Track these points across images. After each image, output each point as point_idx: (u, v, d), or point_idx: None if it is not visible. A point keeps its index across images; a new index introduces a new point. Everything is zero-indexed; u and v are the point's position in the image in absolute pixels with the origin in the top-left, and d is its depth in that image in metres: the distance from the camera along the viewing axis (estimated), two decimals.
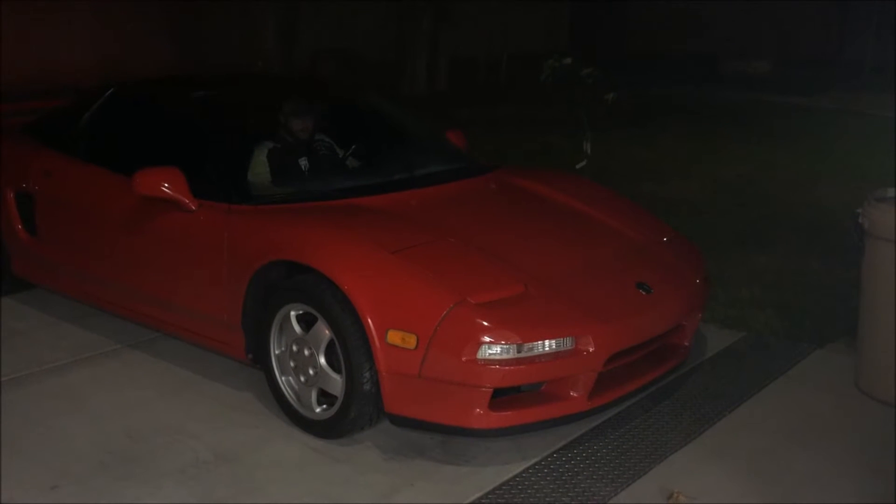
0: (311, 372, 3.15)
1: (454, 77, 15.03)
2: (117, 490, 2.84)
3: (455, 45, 14.99)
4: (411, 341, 2.84)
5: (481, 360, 2.79)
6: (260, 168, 3.73)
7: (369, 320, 2.89)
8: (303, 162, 3.83)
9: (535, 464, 3.02)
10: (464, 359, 2.79)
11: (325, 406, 3.16)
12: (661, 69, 15.70)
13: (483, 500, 2.81)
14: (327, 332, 3.05)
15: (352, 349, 2.95)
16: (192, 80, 4.51)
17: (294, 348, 3.19)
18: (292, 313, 3.18)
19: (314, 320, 3.11)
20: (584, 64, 7.09)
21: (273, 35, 14.30)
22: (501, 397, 2.90)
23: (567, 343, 2.89)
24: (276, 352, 3.27)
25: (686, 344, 3.50)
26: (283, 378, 3.27)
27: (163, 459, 3.02)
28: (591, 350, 2.92)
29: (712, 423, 3.30)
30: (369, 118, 4.40)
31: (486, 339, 2.79)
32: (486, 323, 2.81)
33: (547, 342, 2.86)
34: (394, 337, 2.86)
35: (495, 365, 2.80)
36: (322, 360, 3.10)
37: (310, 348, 3.13)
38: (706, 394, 3.56)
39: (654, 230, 3.74)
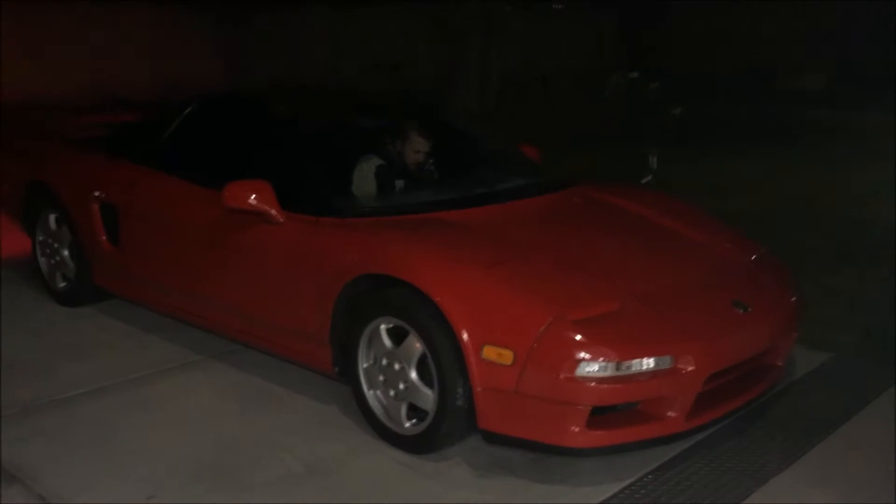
0: (401, 386, 3.12)
1: (505, 92, 15.02)
2: (212, 501, 2.84)
3: (506, 61, 14.98)
4: (507, 357, 2.80)
5: (580, 377, 2.75)
6: (360, 181, 3.73)
7: (465, 335, 2.86)
8: (399, 176, 3.83)
9: (630, 485, 2.95)
10: (562, 376, 2.74)
11: (414, 421, 3.14)
12: (711, 84, 15.51)
13: None
14: (419, 346, 3.02)
15: (445, 364, 2.92)
16: (274, 94, 4.54)
17: (384, 362, 3.17)
18: (382, 327, 3.16)
19: (405, 334, 3.09)
20: (648, 79, 7.05)
21: (324, 49, 14.45)
22: (597, 416, 2.85)
23: (666, 362, 2.83)
24: (364, 365, 3.26)
25: (780, 364, 3.41)
26: (371, 392, 3.25)
27: (254, 471, 3.02)
28: (690, 369, 2.86)
29: (811, 447, 3.20)
30: (452, 132, 4.39)
31: (586, 356, 2.74)
32: (584, 340, 2.76)
33: (646, 360, 2.81)
34: (489, 352, 2.83)
35: (593, 383, 2.75)
36: (413, 375, 3.07)
37: (400, 362, 3.11)
38: (800, 416, 3.46)
39: (744, 247, 3.67)
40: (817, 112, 13.53)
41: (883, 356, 4.03)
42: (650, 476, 3.00)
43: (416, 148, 3.88)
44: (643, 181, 6.71)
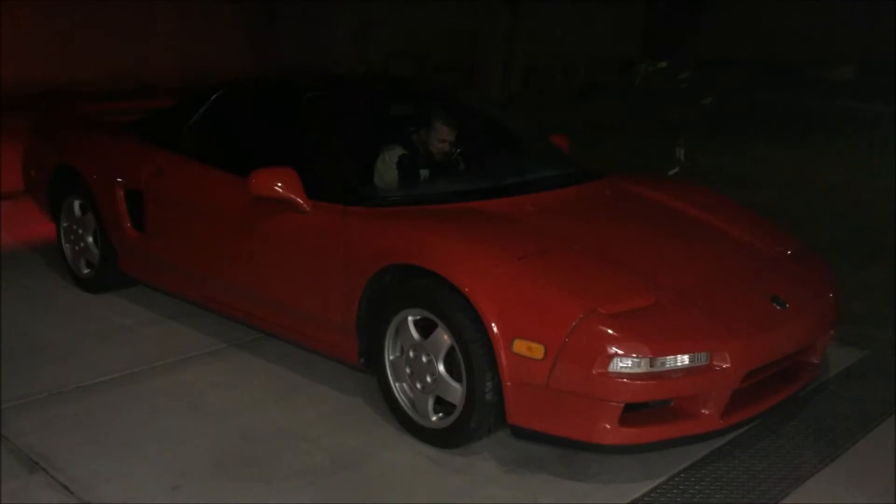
0: (428, 379, 3.07)
1: (530, 81, 14.87)
2: (237, 492, 2.81)
3: (531, 49, 14.83)
4: (539, 351, 2.74)
5: (612, 373, 2.68)
6: (382, 170, 3.68)
7: (495, 328, 2.80)
8: (423, 166, 3.77)
9: (662, 483, 2.88)
10: (595, 371, 2.68)
11: (441, 414, 3.08)
12: (740, 74, 15.30)
13: None
14: (447, 338, 2.97)
15: (475, 358, 2.86)
16: (302, 81, 4.48)
17: (411, 354, 3.12)
18: (410, 318, 3.11)
19: (433, 326, 3.03)
20: (678, 69, 6.93)
21: (348, 36, 14.36)
22: (630, 412, 2.78)
23: (702, 359, 2.76)
24: (391, 357, 3.21)
25: (816, 362, 3.32)
26: (397, 384, 3.20)
27: (279, 462, 2.99)
28: (726, 366, 2.78)
29: (847, 447, 3.12)
30: (483, 121, 4.31)
31: (619, 351, 2.67)
32: (618, 334, 2.69)
33: (680, 357, 2.73)
34: (520, 346, 2.77)
35: (626, 379, 2.68)
36: (441, 368, 3.02)
37: (428, 355, 3.05)
38: (835, 415, 3.37)
39: (780, 241, 3.57)
40: (846, 103, 13.31)
41: None
42: (683, 475, 2.93)
43: (442, 137, 3.81)
44: (671, 173, 6.60)
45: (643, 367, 2.69)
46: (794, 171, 8.15)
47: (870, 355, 3.96)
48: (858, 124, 10.90)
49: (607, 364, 2.67)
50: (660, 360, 2.71)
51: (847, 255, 5.30)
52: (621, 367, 2.68)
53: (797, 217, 6.16)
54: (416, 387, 3.13)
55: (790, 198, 6.93)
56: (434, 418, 3.09)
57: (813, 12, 18.89)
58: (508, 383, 2.81)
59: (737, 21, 19.48)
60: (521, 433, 2.89)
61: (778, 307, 3.03)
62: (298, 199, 3.41)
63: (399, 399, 3.20)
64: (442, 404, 3.08)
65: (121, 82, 12.07)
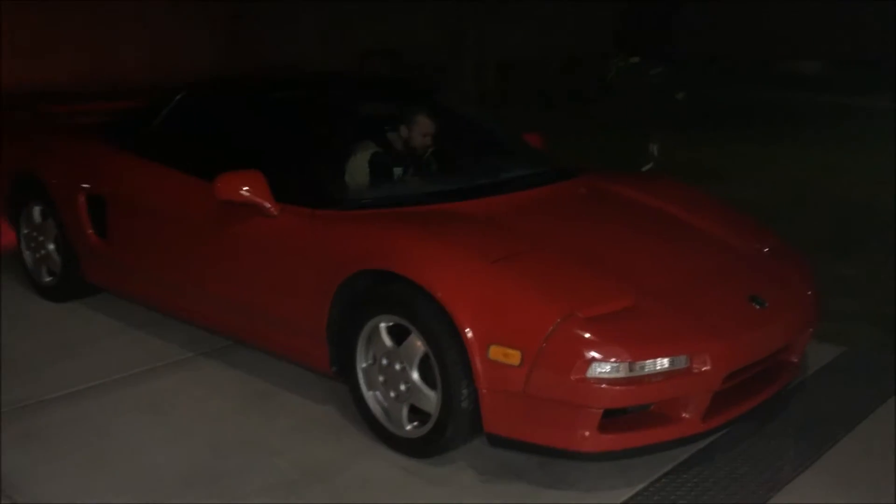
0: (402, 387, 2.98)
1: (503, 78, 14.80)
2: None
3: (503, 47, 14.76)
4: (515, 357, 2.66)
5: (591, 378, 2.60)
6: (354, 170, 3.58)
7: (469, 334, 2.71)
8: (396, 165, 3.67)
9: (643, 490, 2.82)
10: (573, 377, 2.60)
11: (416, 423, 2.99)
12: (710, 70, 15.36)
13: None
14: (421, 345, 2.88)
15: (449, 365, 2.77)
16: (269, 80, 4.37)
17: (384, 362, 3.03)
18: (382, 325, 3.02)
19: (406, 333, 2.94)
20: (651, 64, 6.88)
21: (318, 34, 14.20)
22: (609, 418, 2.71)
23: (682, 362, 2.69)
24: (363, 365, 3.11)
25: (795, 360, 3.28)
26: (370, 393, 3.11)
27: (248, 477, 2.88)
28: (706, 369, 2.72)
29: (828, 447, 3.08)
30: (456, 119, 4.22)
31: (597, 356, 2.60)
32: (596, 338, 2.62)
33: (660, 360, 2.66)
34: (496, 352, 2.69)
35: (605, 384, 2.61)
36: (415, 376, 2.93)
37: (401, 362, 2.96)
38: (815, 414, 3.33)
39: (759, 237, 3.52)
40: (817, 96, 13.43)
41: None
42: (664, 480, 2.87)
43: (425, 131, 3.72)
44: (644, 169, 6.55)
45: (622, 372, 2.62)
46: (764, 164, 8.18)
47: (847, 351, 3.93)
48: (827, 118, 10.99)
49: (586, 369, 2.60)
50: (639, 364, 2.64)
51: (819, 250, 5.27)
52: (600, 373, 2.61)
53: (767, 211, 6.13)
54: (389, 395, 3.04)
55: (759, 192, 6.92)
56: (409, 427, 3.00)
57: (779, 9, 19.04)
58: (484, 391, 2.72)
59: (709, 19, 19.57)
60: (498, 442, 2.81)
61: (757, 307, 2.97)
62: (266, 203, 3.30)
63: (372, 408, 3.10)
64: (417, 413, 2.99)
65: (88, 83, 11.83)
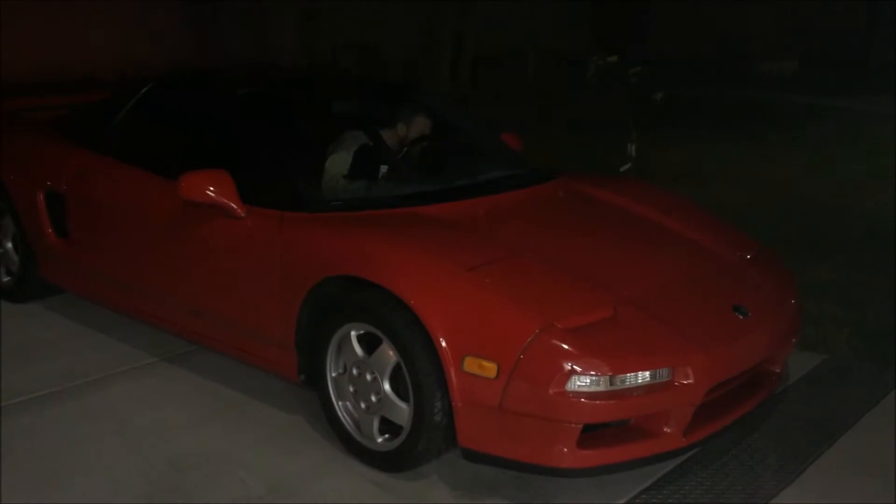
0: (373, 398, 2.86)
1: (479, 76, 14.69)
2: None
3: (480, 44, 14.65)
4: (491, 370, 2.54)
5: (570, 392, 2.50)
6: (332, 170, 3.44)
7: (443, 344, 2.60)
8: (372, 166, 3.53)
9: None
10: (551, 391, 2.49)
11: (387, 436, 2.87)
12: (686, 70, 15.38)
13: None
14: (393, 355, 2.76)
15: (422, 376, 2.65)
16: (238, 75, 4.21)
17: (354, 372, 2.90)
18: (353, 333, 2.89)
19: (377, 342, 2.82)
20: (630, 63, 6.78)
21: (293, 30, 14.01)
22: (587, 433, 2.61)
23: (663, 374, 2.59)
24: (333, 374, 2.99)
25: (777, 371, 3.19)
26: (340, 403, 2.98)
27: (211, 492, 2.74)
28: (688, 382, 2.62)
29: (812, 460, 3.00)
30: (435, 119, 4.08)
31: (577, 368, 2.49)
32: (576, 351, 2.51)
33: (641, 374, 2.56)
34: (471, 364, 2.57)
35: (585, 398, 2.51)
36: (387, 387, 2.81)
37: (372, 372, 2.84)
38: (798, 425, 3.25)
39: (741, 244, 3.43)
40: (793, 97, 13.48)
41: (880, 357, 3.84)
42: (644, 495, 2.78)
43: (423, 131, 3.62)
44: (622, 169, 6.47)
45: (602, 386, 2.52)
46: (740, 166, 8.15)
47: (828, 359, 3.87)
48: (803, 118, 11.02)
49: (565, 383, 2.49)
50: (620, 377, 2.53)
51: (796, 254, 5.22)
52: (579, 386, 2.50)
53: (744, 213, 6.09)
54: (360, 406, 2.91)
55: (736, 193, 6.87)
56: (380, 440, 2.88)
57: (756, 9, 19.13)
58: (459, 404, 2.61)
59: (684, 18, 19.61)
60: (473, 457, 2.70)
61: (741, 317, 2.88)
62: (232, 205, 3.16)
63: (342, 419, 2.98)
64: (388, 425, 2.87)
65: (57, 75, 11.55)
